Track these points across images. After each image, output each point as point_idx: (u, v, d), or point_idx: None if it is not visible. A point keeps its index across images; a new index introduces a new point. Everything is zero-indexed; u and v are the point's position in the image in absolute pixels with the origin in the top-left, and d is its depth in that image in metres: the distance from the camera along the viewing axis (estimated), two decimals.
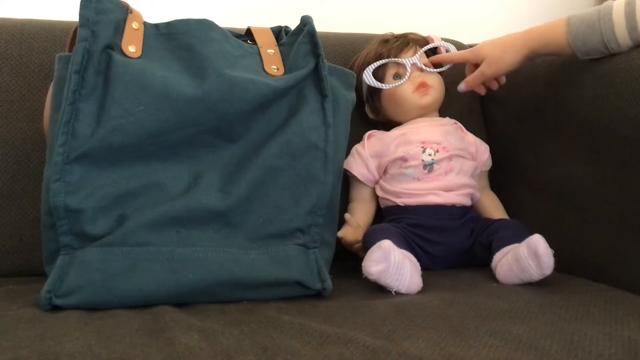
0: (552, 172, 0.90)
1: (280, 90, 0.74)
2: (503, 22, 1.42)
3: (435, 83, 0.94)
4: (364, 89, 0.96)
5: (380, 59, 0.92)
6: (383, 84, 0.92)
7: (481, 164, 0.97)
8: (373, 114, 0.99)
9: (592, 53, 0.80)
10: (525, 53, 0.85)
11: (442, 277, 0.79)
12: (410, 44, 0.95)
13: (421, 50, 0.93)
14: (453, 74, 0.97)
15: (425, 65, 0.93)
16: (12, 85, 0.87)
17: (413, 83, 0.92)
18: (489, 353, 0.51)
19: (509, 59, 0.86)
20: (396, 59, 0.92)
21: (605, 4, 0.78)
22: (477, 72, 0.90)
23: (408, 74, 0.91)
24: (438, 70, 0.94)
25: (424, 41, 0.97)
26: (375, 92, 0.95)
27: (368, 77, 0.91)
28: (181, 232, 0.68)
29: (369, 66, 0.92)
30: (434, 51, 0.97)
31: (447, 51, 0.96)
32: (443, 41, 0.97)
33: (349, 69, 0.96)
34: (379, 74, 0.93)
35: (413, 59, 0.91)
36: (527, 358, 0.50)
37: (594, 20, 0.78)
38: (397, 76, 0.93)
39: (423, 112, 0.94)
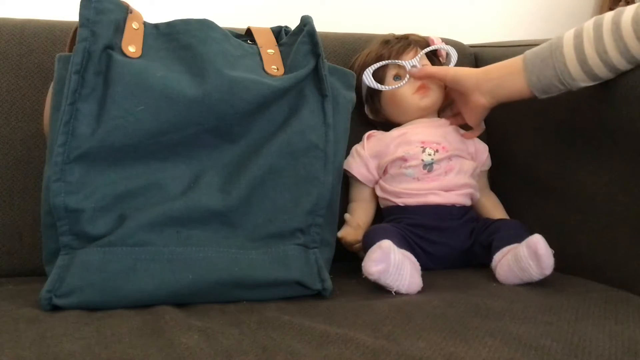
0: (552, 172, 0.90)
1: (280, 90, 0.74)
2: (503, 22, 1.43)
3: (434, 85, 0.94)
4: (364, 90, 0.96)
5: (381, 60, 0.92)
6: (382, 86, 0.92)
7: (481, 164, 0.97)
8: (372, 114, 0.99)
9: (549, 89, 0.77)
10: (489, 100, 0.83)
11: (442, 277, 0.79)
12: (412, 46, 0.94)
13: (421, 53, 0.93)
14: None
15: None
16: (12, 85, 0.87)
17: (413, 85, 0.92)
18: (489, 353, 0.51)
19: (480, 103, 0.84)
20: (397, 61, 0.92)
21: (556, 36, 0.76)
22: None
23: (408, 76, 0.91)
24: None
25: (425, 42, 0.97)
26: (375, 93, 0.95)
27: (368, 78, 0.91)
28: (181, 232, 0.68)
29: (369, 67, 0.91)
30: (434, 52, 0.97)
31: (447, 54, 0.96)
32: (443, 43, 0.97)
33: (349, 68, 0.96)
34: (379, 75, 0.93)
35: (413, 61, 0.91)
36: (527, 358, 0.50)
37: (547, 55, 0.76)
38: (398, 77, 0.93)
39: (422, 114, 0.94)
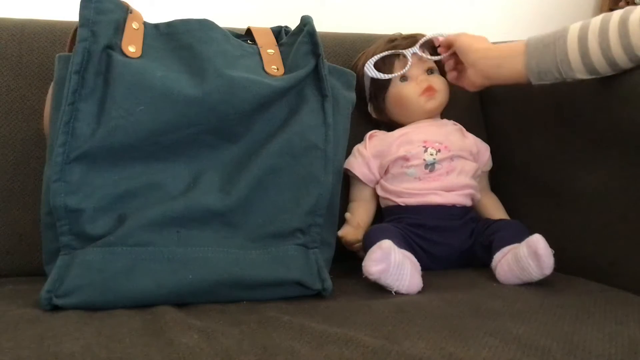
0: (553, 172, 0.90)
1: (280, 90, 0.74)
2: (503, 22, 1.43)
3: (441, 87, 0.93)
4: (368, 86, 0.96)
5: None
6: (384, 75, 0.91)
7: (482, 165, 0.97)
8: (376, 113, 0.98)
9: (544, 76, 0.77)
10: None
11: (442, 277, 0.79)
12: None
13: (421, 41, 0.92)
14: None
15: (425, 56, 0.93)
16: (12, 85, 0.87)
17: (420, 86, 0.92)
18: (489, 353, 0.51)
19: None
20: (398, 51, 0.91)
21: (563, 26, 0.76)
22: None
23: (409, 63, 0.91)
24: (436, 58, 0.93)
25: (430, 40, 0.96)
26: (380, 92, 0.95)
27: (370, 69, 0.91)
28: (181, 232, 0.68)
29: (372, 58, 0.91)
30: (435, 49, 0.97)
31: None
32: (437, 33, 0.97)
33: (353, 66, 0.96)
34: (384, 73, 0.92)
35: (413, 49, 0.91)
36: (527, 358, 0.50)
37: (550, 41, 0.76)
38: (404, 79, 0.93)
39: (427, 116, 0.94)
